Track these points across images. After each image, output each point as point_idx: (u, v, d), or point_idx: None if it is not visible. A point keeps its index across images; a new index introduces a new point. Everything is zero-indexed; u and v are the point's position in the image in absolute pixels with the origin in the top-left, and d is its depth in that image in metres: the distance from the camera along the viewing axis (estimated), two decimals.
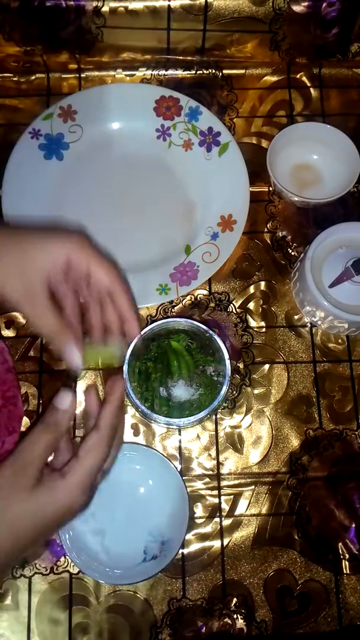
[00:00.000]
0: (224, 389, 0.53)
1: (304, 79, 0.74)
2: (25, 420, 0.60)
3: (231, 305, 0.64)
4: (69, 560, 0.56)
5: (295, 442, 0.60)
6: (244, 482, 0.59)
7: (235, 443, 0.60)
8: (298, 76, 0.74)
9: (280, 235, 0.67)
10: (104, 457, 0.41)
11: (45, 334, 0.45)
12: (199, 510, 0.58)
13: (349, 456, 0.60)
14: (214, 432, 0.60)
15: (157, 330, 0.54)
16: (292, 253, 0.66)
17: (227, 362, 0.54)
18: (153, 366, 0.55)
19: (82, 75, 0.73)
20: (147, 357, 0.56)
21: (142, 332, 0.52)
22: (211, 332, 0.55)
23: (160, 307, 0.64)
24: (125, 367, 0.54)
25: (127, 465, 0.57)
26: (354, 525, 0.58)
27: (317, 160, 0.69)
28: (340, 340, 0.63)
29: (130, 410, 0.60)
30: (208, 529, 0.57)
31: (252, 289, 0.65)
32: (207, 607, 0.55)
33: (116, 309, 0.47)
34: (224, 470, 0.59)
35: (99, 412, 0.42)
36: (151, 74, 0.73)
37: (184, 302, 0.64)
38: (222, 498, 0.58)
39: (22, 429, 0.60)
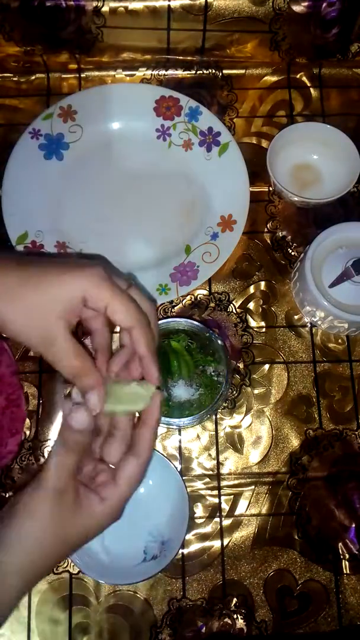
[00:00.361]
0: (224, 388, 0.53)
1: (304, 79, 0.74)
2: (26, 421, 0.60)
3: (231, 305, 0.64)
4: (69, 560, 0.56)
5: (295, 442, 0.60)
6: (244, 482, 0.59)
7: (235, 443, 0.60)
8: (298, 76, 0.74)
9: (280, 235, 0.67)
10: (141, 481, 0.41)
11: (67, 375, 0.42)
12: (199, 510, 0.58)
13: (349, 456, 0.60)
14: (214, 432, 0.60)
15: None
16: (292, 253, 0.66)
17: (227, 362, 0.54)
18: None
19: (82, 75, 0.73)
20: None
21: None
22: (211, 332, 0.55)
23: (160, 307, 0.64)
24: None
25: None
26: (354, 525, 0.58)
27: (317, 160, 0.69)
28: (340, 340, 0.63)
29: None
30: (208, 529, 0.58)
31: (252, 289, 0.65)
32: (207, 607, 0.55)
33: (135, 349, 0.44)
34: (224, 470, 0.59)
35: (137, 435, 0.41)
36: (151, 74, 0.73)
37: (184, 302, 0.64)
38: (222, 498, 0.58)
39: (23, 428, 0.60)
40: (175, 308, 0.64)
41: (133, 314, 0.42)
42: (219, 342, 0.55)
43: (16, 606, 0.39)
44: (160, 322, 0.54)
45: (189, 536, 0.57)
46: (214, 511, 0.58)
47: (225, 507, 0.58)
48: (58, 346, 0.40)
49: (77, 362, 0.41)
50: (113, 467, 0.41)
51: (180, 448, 0.60)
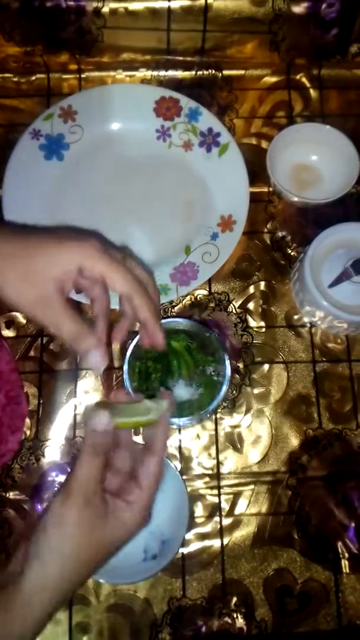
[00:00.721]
0: (224, 388, 0.53)
1: (304, 79, 0.74)
2: (26, 420, 0.60)
3: (231, 305, 0.65)
4: None
5: (294, 441, 0.60)
6: (243, 481, 0.59)
7: (235, 443, 0.60)
8: (298, 77, 0.74)
9: (280, 235, 0.67)
10: (161, 480, 0.42)
11: (66, 340, 0.44)
12: (198, 510, 0.58)
13: (348, 456, 0.60)
14: (213, 432, 0.60)
15: None
16: (292, 253, 0.67)
17: (227, 362, 0.54)
18: (153, 366, 0.55)
19: (83, 75, 0.73)
20: (147, 357, 0.56)
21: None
22: (211, 332, 0.55)
23: (160, 308, 0.64)
24: (125, 367, 0.54)
25: None
26: (353, 525, 0.58)
27: (316, 161, 0.69)
28: (339, 340, 0.64)
29: None
30: (208, 528, 0.58)
31: (252, 289, 0.65)
32: (207, 607, 0.56)
33: (137, 316, 0.46)
34: (224, 469, 0.59)
35: (151, 435, 0.43)
36: (151, 75, 0.73)
37: (184, 302, 0.65)
38: (222, 497, 0.58)
39: (24, 428, 0.60)
40: (175, 308, 0.64)
41: (130, 281, 0.43)
42: (219, 342, 0.55)
43: (41, 631, 0.38)
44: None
45: (188, 535, 0.57)
46: (214, 510, 0.58)
47: (225, 506, 0.58)
48: (54, 310, 0.42)
49: (73, 325, 0.43)
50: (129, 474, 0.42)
51: (180, 447, 0.60)
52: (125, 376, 0.53)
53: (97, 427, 0.39)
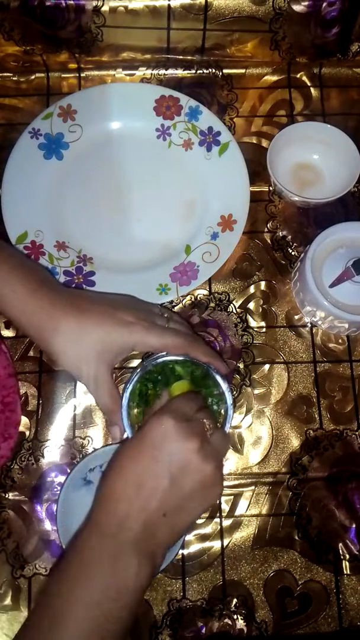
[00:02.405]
0: (227, 425, 0.53)
1: (304, 78, 0.74)
2: (25, 421, 0.60)
3: (231, 305, 0.64)
4: None
5: (295, 442, 0.60)
6: (244, 482, 0.59)
7: (236, 443, 0.60)
8: (298, 76, 0.74)
9: (281, 235, 0.67)
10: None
11: (101, 408, 0.55)
12: None
13: (349, 456, 0.60)
14: None
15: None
16: (292, 253, 0.66)
17: (229, 398, 0.53)
18: (154, 392, 0.54)
19: (82, 74, 0.73)
20: (148, 379, 0.55)
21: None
22: (209, 367, 0.54)
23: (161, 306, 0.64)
24: (125, 396, 0.54)
25: None
26: (354, 526, 0.58)
27: (317, 160, 0.69)
28: (340, 340, 0.63)
29: None
30: (208, 529, 0.57)
31: (252, 289, 0.65)
32: (207, 608, 0.55)
33: (200, 360, 0.54)
34: (224, 470, 0.59)
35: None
36: (151, 74, 0.73)
37: (184, 302, 0.64)
38: (222, 498, 0.58)
39: (23, 429, 0.60)
40: (175, 308, 0.64)
41: (181, 343, 0.53)
42: (219, 377, 0.55)
43: None
44: (157, 359, 0.54)
45: (189, 537, 0.57)
46: (214, 511, 0.58)
47: (225, 507, 0.58)
48: (102, 388, 0.51)
49: (111, 404, 0.53)
50: None
51: None
52: (125, 402, 0.53)
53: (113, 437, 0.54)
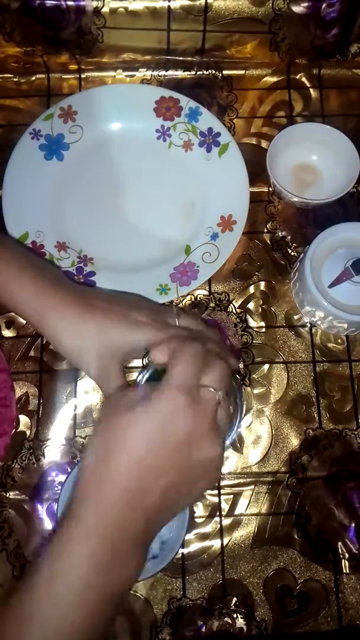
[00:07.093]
0: (231, 437, 0.53)
1: (304, 79, 0.74)
2: (26, 420, 0.60)
3: (231, 305, 0.65)
4: None
5: (294, 441, 0.60)
6: (243, 481, 0.59)
7: (235, 443, 0.60)
8: (298, 77, 0.74)
9: (280, 235, 0.67)
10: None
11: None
12: (199, 510, 0.58)
13: (348, 456, 0.60)
14: None
15: None
16: (292, 253, 0.67)
17: (240, 394, 0.53)
18: None
19: (83, 75, 0.73)
20: (156, 378, 0.54)
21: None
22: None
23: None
24: None
25: None
26: (353, 525, 0.58)
27: (316, 161, 0.69)
28: (339, 340, 0.64)
29: None
30: (208, 528, 0.58)
31: (252, 289, 0.65)
32: (207, 607, 0.56)
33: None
34: (224, 469, 0.59)
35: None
36: (151, 75, 0.73)
37: (184, 302, 0.65)
38: (222, 497, 0.58)
39: (24, 428, 0.60)
40: None
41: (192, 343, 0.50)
42: (239, 390, 0.54)
43: None
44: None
45: (189, 536, 0.57)
46: (214, 510, 0.58)
47: (225, 506, 0.58)
48: (112, 383, 0.50)
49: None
50: None
51: None
52: None
53: None
